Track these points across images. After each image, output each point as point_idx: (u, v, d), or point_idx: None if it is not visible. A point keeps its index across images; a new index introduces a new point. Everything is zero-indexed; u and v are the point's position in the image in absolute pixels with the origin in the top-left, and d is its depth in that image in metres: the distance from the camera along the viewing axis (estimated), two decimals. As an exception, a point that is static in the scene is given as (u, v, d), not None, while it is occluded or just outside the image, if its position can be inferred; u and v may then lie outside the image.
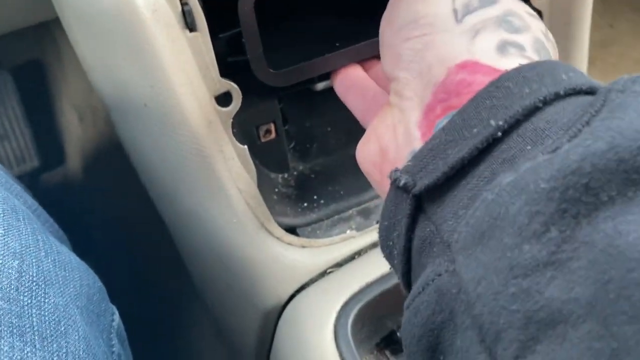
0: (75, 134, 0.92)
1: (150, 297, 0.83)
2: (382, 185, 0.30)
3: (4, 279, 0.29)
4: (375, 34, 0.46)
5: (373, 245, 0.52)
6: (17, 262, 0.30)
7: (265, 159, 0.52)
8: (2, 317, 0.28)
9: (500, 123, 0.23)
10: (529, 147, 0.22)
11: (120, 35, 0.38)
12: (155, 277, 0.85)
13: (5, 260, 0.30)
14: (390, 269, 0.30)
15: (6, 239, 0.31)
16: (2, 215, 0.32)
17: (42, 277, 0.31)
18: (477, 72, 0.26)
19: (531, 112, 0.23)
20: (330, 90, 0.55)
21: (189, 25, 0.39)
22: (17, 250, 0.31)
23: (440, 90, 0.26)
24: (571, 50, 0.54)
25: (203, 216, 0.46)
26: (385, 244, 0.28)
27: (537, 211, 0.20)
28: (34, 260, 0.32)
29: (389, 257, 0.28)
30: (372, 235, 0.51)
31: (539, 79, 0.23)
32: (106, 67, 0.43)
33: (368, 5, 0.52)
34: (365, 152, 0.31)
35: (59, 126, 0.92)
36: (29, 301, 0.29)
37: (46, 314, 0.30)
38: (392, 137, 0.29)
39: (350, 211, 0.53)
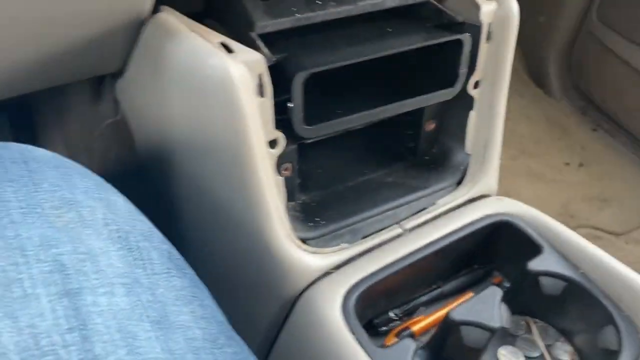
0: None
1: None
2: None
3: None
4: (388, 101, 0.68)
5: (359, 255, 0.71)
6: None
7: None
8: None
9: None
10: None
11: (218, 98, 0.56)
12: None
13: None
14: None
15: None
16: None
17: None
18: None
19: None
20: (317, 143, 0.74)
21: (262, 93, 0.58)
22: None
23: None
24: (493, 122, 0.79)
25: (249, 225, 0.64)
26: None
27: None
28: None
29: None
30: (359, 247, 0.71)
31: None
32: (196, 121, 0.60)
33: (370, 89, 0.74)
34: None
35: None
36: None
37: None
38: None
39: (343, 230, 0.72)
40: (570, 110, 1.69)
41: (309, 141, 0.69)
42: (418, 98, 0.70)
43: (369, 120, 0.68)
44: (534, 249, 0.72)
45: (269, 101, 0.60)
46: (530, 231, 0.74)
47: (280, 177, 0.64)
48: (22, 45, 0.59)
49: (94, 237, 0.38)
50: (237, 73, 0.56)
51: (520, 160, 1.52)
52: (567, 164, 1.52)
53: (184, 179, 0.68)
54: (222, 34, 0.72)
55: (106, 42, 0.64)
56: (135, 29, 0.62)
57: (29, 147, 0.48)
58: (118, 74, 0.72)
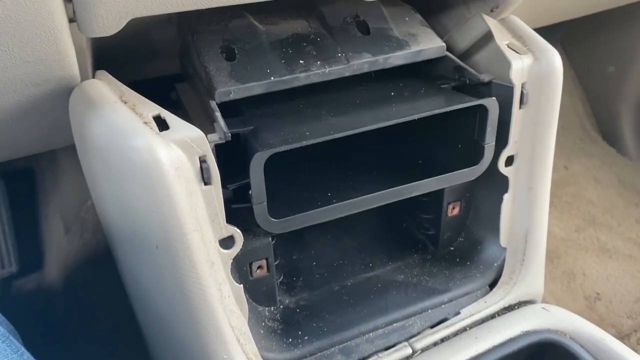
0: (59, 244, 0.93)
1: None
2: None
3: None
4: (368, 191, 0.52)
5: (352, 385, 0.54)
6: None
7: (255, 293, 0.56)
8: None
9: None
10: None
11: (144, 185, 0.43)
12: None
13: None
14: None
15: None
16: None
17: None
18: None
19: None
20: (316, 225, 0.60)
21: (205, 179, 0.44)
22: None
23: None
24: (534, 208, 0.61)
25: (196, 349, 0.49)
26: None
27: None
28: None
29: None
30: (352, 373, 0.54)
31: None
32: (122, 207, 0.47)
33: (370, 163, 0.58)
34: None
35: (43, 235, 0.94)
36: None
37: None
38: None
39: (333, 349, 0.55)
40: (649, 172, 1.46)
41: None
42: (429, 180, 0.54)
43: (359, 209, 0.52)
44: (594, 384, 0.53)
45: (216, 189, 0.45)
46: (587, 357, 0.55)
47: (239, 285, 0.49)
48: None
49: None
50: (167, 156, 0.42)
51: (587, 233, 1.29)
52: (647, 236, 1.28)
53: (127, 277, 0.55)
54: (191, 102, 0.60)
55: (44, 112, 0.53)
56: (66, 98, 0.50)
57: None
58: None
